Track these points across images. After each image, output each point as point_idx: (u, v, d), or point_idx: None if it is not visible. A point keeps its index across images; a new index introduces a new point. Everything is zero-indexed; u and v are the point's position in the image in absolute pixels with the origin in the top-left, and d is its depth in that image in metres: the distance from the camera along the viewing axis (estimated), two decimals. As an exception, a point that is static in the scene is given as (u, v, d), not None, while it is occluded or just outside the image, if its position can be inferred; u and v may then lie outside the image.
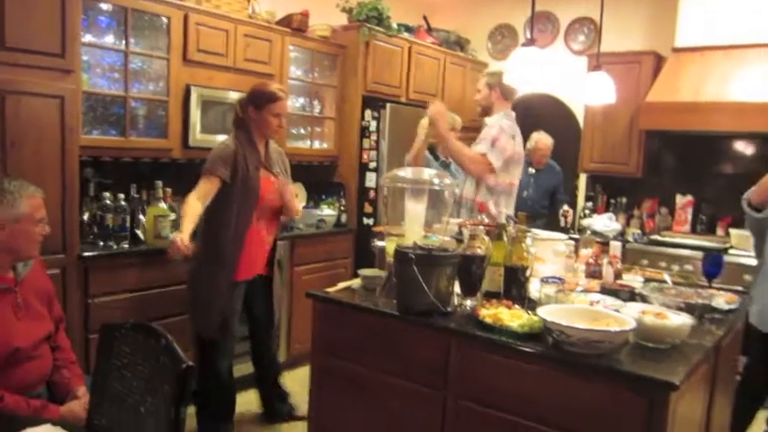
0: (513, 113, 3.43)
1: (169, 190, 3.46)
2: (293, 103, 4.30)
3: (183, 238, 2.70)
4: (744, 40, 4.31)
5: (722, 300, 2.45)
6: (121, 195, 3.23)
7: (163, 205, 3.33)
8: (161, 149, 3.48)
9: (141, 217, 3.33)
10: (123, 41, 3.26)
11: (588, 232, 4.80)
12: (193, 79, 3.54)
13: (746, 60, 4.27)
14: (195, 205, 2.82)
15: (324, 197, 4.54)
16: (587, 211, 5.13)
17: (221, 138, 3.60)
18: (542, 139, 4.94)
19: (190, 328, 3.24)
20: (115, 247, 3.14)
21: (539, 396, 1.86)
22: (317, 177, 4.59)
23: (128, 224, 3.22)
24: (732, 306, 2.44)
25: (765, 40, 4.23)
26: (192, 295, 3.05)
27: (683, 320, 1.94)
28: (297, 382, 3.88)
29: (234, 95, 3.65)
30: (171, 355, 1.44)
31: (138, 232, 3.31)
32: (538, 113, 5.34)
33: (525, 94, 5.58)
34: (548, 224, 4.90)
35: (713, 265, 2.75)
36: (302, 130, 4.42)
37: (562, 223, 4.85)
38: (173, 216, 3.42)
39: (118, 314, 3.00)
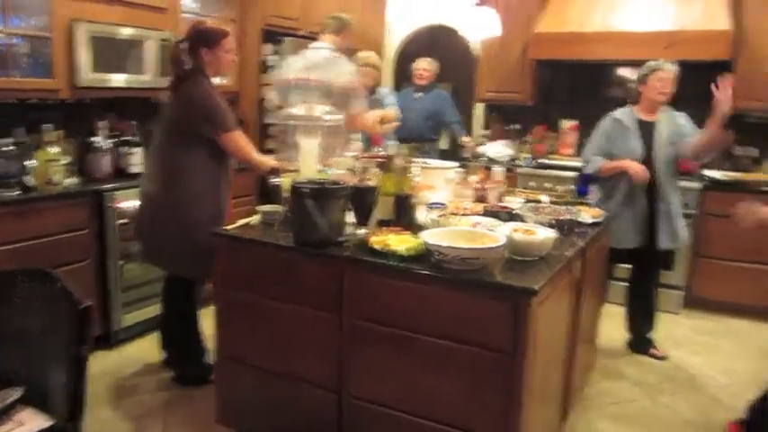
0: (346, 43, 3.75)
1: (60, 132, 3.37)
2: (187, 39, 4.20)
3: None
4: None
5: (588, 215, 2.74)
6: (9, 140, 3.12)
7: (53, 149, 3.25)
8: (48, 90, 3.34)
9: (31, 162, 3.23)
10: (-4, -26, 3.08)
11: (485, 159, 5.07)
12: (79, 14, 3.38)
13: (627, -9, 4.53)
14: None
15: (225, 134, 4.52)
16: (484, 139, 5.39)
17: (116, 77, 3.55)
18: (417, 63, 5.13)
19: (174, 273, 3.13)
20: (5, 194, 3.05)
21: (425, 311, 2.07)
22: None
23: (16, 170, 3.11)
24: (596, 220, 2.74)
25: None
26: (193, 243, 2.86)
27: (546, 235, 2.20)
28: (207, 320, 3.99)
29: (126, 31, 3.54)
30: (68, 297, 1.51)
31: (29, 178, 3.20)
32: (435, 45, 5.45)
33: (424, 26, 5.73)
34: (445, 152, 5.14)
35: (584, 183, 3.05)
36: (199, 67, 4.33)
37: (463, 154, 5.10)
38: (64, 160, 3.34)
39: (12, 264, 2.95)
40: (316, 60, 3.65)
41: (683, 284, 4.30)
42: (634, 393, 3.19)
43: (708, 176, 4.28)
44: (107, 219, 3.38)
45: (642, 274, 3.62)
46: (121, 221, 3.41)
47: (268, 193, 2.74)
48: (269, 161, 2.91)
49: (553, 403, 2.51)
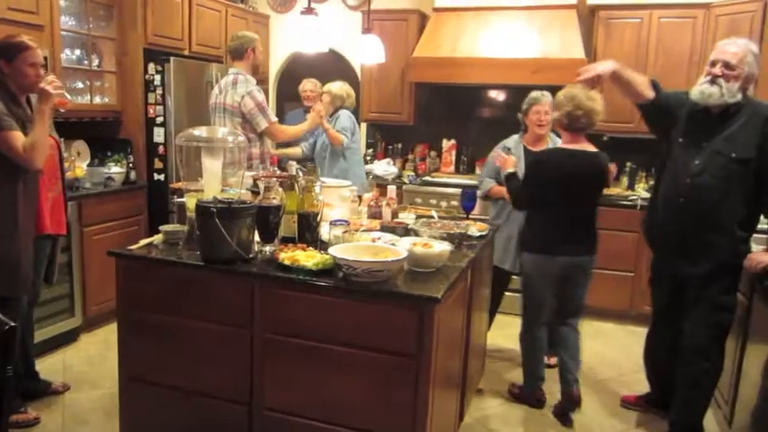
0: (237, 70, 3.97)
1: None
2: (68, 57, 4.06)
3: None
4: (489, 2, 4.97)
5: (475, 228, 2.99)
6: None
7: None
8: None
9: None
10: None
11: (371, 177, 5.27)
12: (-55, 30, 3.21)
13: (492, 21, 4.93)
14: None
15: (109, 154, 4.40)
16: (368, 158, 5.60)
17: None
18: (303, 84, 5.26)
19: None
20: None
21: (334, 322, 2.19)
22: (101, 134, 4.42)
23: None
24: (483, 233, 3.00)
25: (506, 4, 4.93)
26: None
27: (443, 248, 2.40)
28: (96, 344, 3.87)
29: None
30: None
31: None
32: (319, 68, 5.60)
33: (309, 50, 5.85)
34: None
35: (468, 199, 3.30)
36: (80, 85, 4.20)
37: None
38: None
39: None
40: (225, 85, 3.89)
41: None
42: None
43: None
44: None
45: None
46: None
47: (167, 212, 2.74)
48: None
49: (452, 403, 2.71)
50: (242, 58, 3.92)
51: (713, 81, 2.68)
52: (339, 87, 4.66)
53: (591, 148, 3.10)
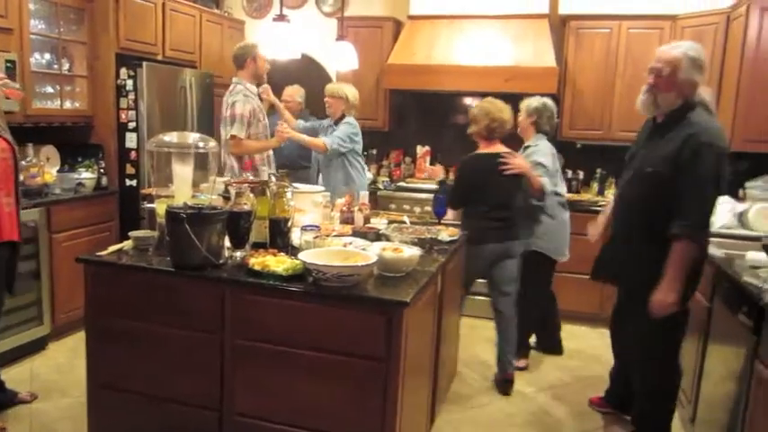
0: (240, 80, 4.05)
1: None
2: (38, 60, 4.02)
3: None
4: (464, 11, 5.04)
5: (446, 234, 3.02)
6: None
7: None
8: None
9: None
10: None
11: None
12: None
13: (466, 29, 4.99)
14: None
15: (80, 159, 4.35)
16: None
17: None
18: (285, 91, 5.24)
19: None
20: None
21: (304, 326, 2.21)
22: (71, 139, 4.37)
23: None
24: (453, 238, 3.03)
25: (480, 13, 5.00)
26: None
27: (412, 252, 2.42)
28: (65, 352, 3.83)
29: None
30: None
31: None
32: (294, 74, 5.61)
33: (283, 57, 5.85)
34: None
35: (440, 205, 3.34)
36: (50, 89, 4.15)
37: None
38: None
39: None
40: (227, 93, 4.00)
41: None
42: (490, 396, 3.50)
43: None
44: None
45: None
46: None
47: (139, 219, 2.72)
48: None
49: (422, 407, 2.73)
50: (242, 68, 4.00)
51: (649, 91, 2.61)
52: (354, 95, 4.48)
53: (503, 149, 3.43)
